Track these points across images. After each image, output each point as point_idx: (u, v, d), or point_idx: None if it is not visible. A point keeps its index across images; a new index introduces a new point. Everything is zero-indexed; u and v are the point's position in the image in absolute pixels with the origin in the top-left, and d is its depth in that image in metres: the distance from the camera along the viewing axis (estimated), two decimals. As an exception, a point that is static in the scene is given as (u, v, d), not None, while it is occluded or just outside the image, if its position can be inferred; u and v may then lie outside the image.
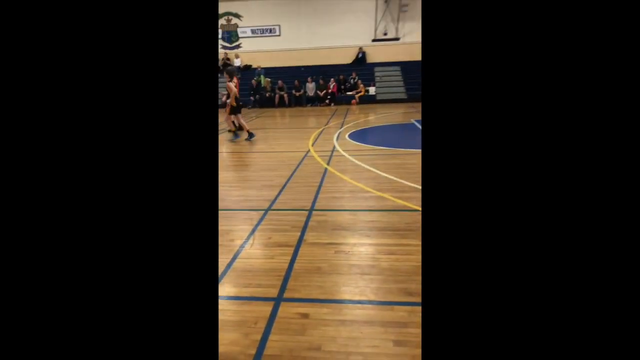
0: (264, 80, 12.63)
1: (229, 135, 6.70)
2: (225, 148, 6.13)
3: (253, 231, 2.74)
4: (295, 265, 2.17)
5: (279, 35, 13.78)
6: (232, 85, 6.28)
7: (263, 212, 3.09)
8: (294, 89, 12.23)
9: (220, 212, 3.20)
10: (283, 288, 1.95)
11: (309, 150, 5.39)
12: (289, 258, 2.26)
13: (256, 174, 4.42)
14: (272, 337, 1.62)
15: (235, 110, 6.47)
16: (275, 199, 3.39)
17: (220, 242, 2.61)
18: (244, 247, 2.50)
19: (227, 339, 1.62)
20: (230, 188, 3.89)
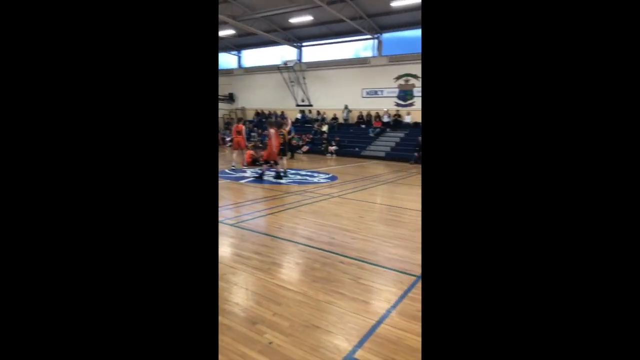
0: None
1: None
2: (380, 200, 6.20)
3: (402, 297, 2.45)
4: None
5: None
6: (271, 132, 7.65)
7: (415, 278, 2.78)
8: None
9: (370, 266, 3.02)
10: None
11: None
12: None
13: (412, 234, 4.06)
14: None
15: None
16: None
17: (367, 298, 2.45)
18: (391, 312, 2.22)
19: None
20: (385, 243, 3.65)
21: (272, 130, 7.59)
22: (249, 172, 8.34)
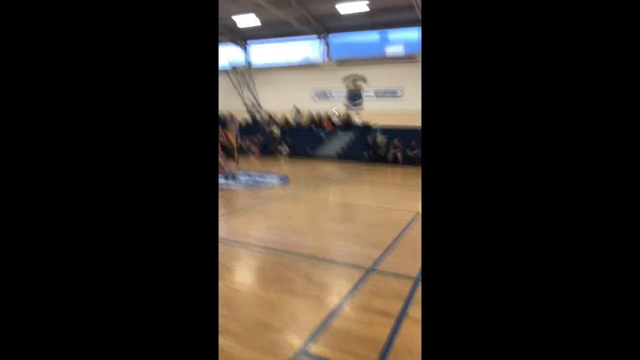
0: (380, 138, 13.25)
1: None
2: (332, 198, 6.17)
3: (352, 290, 2.50)
4: (396, 342, 1.90)
5: (401, 97, 14.60)
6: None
7: (365, 271, 2.84)
8: (409, 148, 12.54)
9: (322, 263, 3.03)
10: (378, 364, 1.73)
11: (418, 212, 4.98)
12: (388, 330, 2.00)
13: (363, 230, 4.11)
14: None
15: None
16: (379, 259, 3.13)
17: (318, 294, 2.47)
18: (342, 305, 2.26)
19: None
20: (336, 240, 3.66)
21: None
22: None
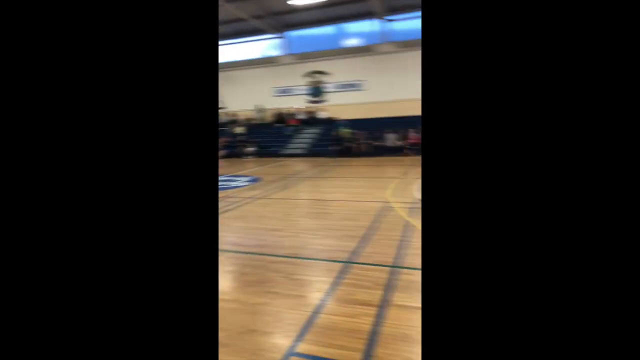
0: (344, 132, 13.41)
1: None
2: (304, 195, 6.13)
3: (334, 284, 2.52)
4: (381, 329, 1.96)
5: (364, 89, 14.63)
6: None
7: (343, 264, 2.87)
8: (373, 139, 12.87)
9: (301, 260, 3.05)
10: (367, 354, 1.75)
11: (388, 201, 5.10)
12: (371, 320, 2.05)
13: (338, 223, 4.13)
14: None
15: None
16: (356, 251, 3.17)
17: (301, 293, 2.50)
18: (325, 300, 2.27)
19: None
20: (313, 236, 3.66)
21: None
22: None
